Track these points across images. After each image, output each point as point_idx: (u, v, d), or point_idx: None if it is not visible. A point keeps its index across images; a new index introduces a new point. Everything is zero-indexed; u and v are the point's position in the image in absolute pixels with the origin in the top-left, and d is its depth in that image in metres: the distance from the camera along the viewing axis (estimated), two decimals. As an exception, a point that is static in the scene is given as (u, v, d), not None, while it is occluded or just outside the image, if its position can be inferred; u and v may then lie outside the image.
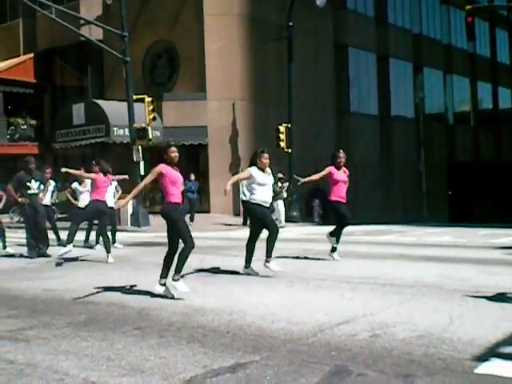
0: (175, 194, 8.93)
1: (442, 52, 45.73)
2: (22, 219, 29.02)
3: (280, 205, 24.76)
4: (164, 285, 8.77)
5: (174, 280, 8.70)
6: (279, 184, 24.54)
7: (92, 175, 14.32)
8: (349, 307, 7.82)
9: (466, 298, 8.30)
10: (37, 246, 14.80)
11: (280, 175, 24.79)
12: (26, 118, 35.21)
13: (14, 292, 9.68)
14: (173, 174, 8.96)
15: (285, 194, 25.28)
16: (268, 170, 11.06)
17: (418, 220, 30.07)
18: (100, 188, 14.06)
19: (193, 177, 25.66)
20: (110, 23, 27.71)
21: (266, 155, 10.93)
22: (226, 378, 5.14)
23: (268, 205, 11.08)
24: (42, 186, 15.20)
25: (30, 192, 14.66)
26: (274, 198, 23.86)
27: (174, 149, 9.04)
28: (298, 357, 5.67)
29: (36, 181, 14.81)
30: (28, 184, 14.65)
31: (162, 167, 8.91)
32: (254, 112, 30.56)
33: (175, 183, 8.97)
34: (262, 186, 10.84)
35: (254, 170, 10.89)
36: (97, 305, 8.42)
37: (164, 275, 8.82)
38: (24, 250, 15.18)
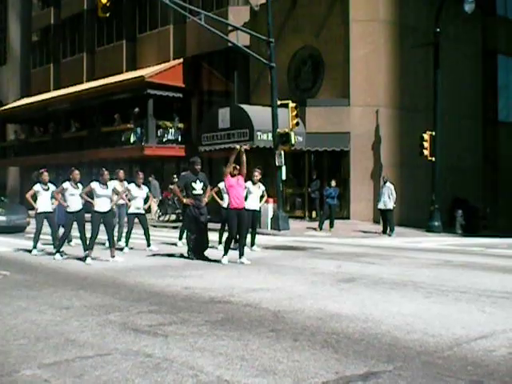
0: None
1: None
2: (167, 218, 30.36)
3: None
4: None
5: None
6: None
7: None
8: (488, 322, 7.57)
9: None
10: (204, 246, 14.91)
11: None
12: (174, 121, 36.38)
13: (156, 288, 10.06)
14: None
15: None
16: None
17: None
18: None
19: (334, 183, 25.64)
20: (257, 29, 28.18)
21: None
22: (358, 385, 5.12)
23: None
24: (204, 188, 14.83)
25: (194, 193, 14.54)
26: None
27: None
28: (432, 369, 5.56)
29: (200, 182, 14.67)
30: (193, 184, 14.57)
31: None
32: (397, 119, 30.11)
33: None
34: None
35: None
36: (234, 305, 8.59)
37: None
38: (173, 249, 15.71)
